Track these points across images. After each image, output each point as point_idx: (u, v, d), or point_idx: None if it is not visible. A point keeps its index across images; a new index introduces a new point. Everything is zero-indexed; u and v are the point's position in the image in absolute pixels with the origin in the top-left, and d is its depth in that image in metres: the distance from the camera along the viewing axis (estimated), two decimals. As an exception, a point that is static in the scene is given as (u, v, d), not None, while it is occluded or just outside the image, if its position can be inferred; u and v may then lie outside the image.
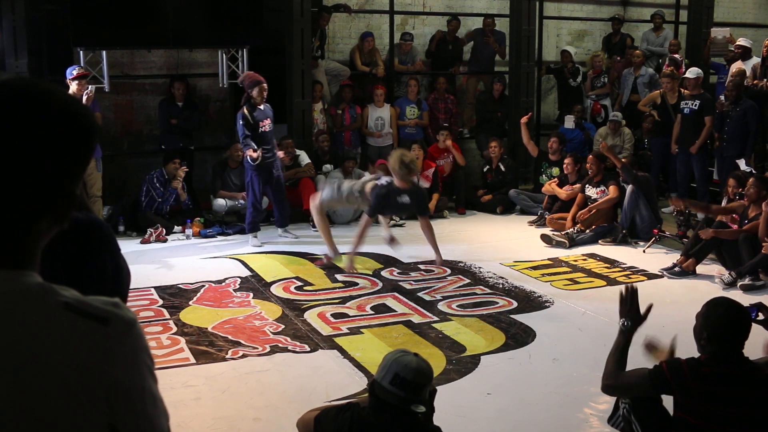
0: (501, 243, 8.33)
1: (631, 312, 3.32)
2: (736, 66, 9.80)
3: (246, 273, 7.04)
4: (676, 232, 7.66)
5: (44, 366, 1.10)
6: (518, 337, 5.46)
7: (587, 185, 8.64)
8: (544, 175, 9.67)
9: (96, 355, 1.13)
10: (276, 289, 6.54)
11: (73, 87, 7.77)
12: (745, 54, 9.90)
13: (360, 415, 2.77)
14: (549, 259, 7.60)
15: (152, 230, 8.21)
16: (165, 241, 8.23)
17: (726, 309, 3.09)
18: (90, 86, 7.76)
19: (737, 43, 10.10)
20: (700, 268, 7.03)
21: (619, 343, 3.33)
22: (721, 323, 3.04)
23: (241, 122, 7.87)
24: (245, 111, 7.85)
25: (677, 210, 7.77)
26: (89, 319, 1.14)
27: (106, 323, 1.15)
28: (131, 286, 6.78)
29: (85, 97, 7.68)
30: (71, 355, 1.12)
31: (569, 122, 10.66)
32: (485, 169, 10.16)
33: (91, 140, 1.21)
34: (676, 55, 10.88)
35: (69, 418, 1.12)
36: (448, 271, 7.10)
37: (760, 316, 3.39)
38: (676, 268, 6.99)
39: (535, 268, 7.28)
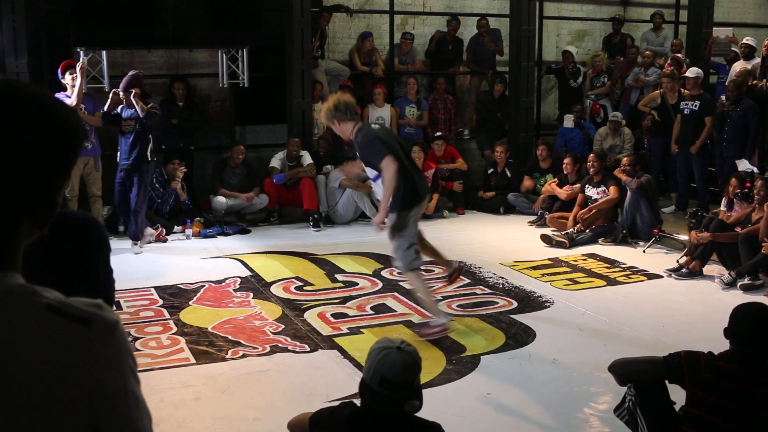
0: (501, 243, 8.33)
1: None
2: (740, 66, 9.79)
3: (246, 273, 7.04)
4: (688, 236, 7.52)
5: (25, 367, 1.10)
6: (518, 337, 5.46)
7: (587, 185, 8.64)
8: (537, 186, 9.68)
9: (78, 357, 1.13)
10: (276, 289, 6.54)
11: (68, 80, 7.76)
12: (750, 53, 9.89)
13: (358, 414, 2.77)
14: (549, 259, 7.60)
15: (152, 230, 8.20)
16: (165, 241, 8.23)
17: (749, 311, 3.18)
18: (82, 58, 7.65)
19: (743, 42, 10.09)
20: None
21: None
22: (741, 323, 3.13)
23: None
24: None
25: (690, 212, 7.71)
26: (71, 320, 1.14)
27: (88, 325, 1.15)
28: (131, 287, 6.80)
29: (78, 67, 7.64)
30: (53, 357, 1.11)
31: (569, 122, 10.66)
32: (489, 171, 10.15)
33: (75, 146, 1.19)
34: (679, 55, 10.87)
35: (50, 420, 1.11)
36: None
37: None
38: (684, 270, 6.98)
39: (535, 268, 7.28)
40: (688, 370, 3.10)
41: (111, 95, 7.71)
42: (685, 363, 3.12)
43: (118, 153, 7.85)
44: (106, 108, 7.73)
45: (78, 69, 7.64)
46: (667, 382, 3.26)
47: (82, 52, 8.15)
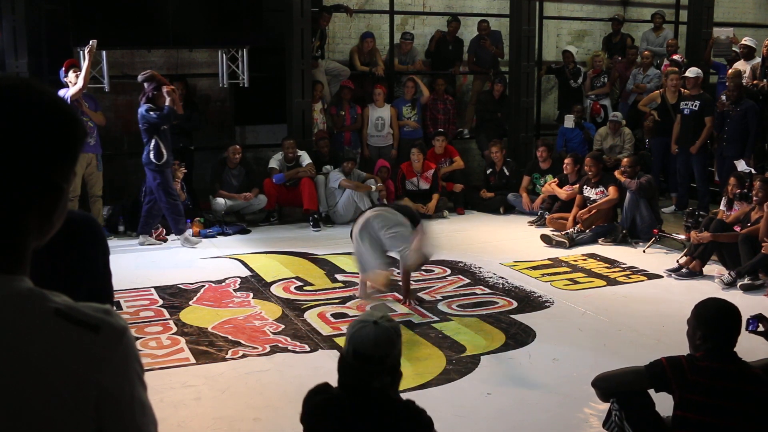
0: (501, 243, 8.32)
1: None
2: (737, 66, 9.79)
3: (246, 273, 7.04)
4: (684, 235, 7.56)
5: (33, 372, 1.10)
6: (518, 337, 5.46)
7: (585, 186, 8.63)
8: (537, 186, 9.68)
9: (86, 363, 1.13)
10: (276, 289, 6.54)
11: (72, 78, 7.75)
12: (749, 54, 9.89)
13: (332, 396, 2.75)
14: (549, 259, 7.60)
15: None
16: (165, 240, 8.23)
17: (718, 308, 3.20)
18: (91, 41, 7.65)
19: (742, 42, 10.10)
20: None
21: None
22: (715, 321, 3.14)
23: (151, 112, 7.75)
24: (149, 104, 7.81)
25: (686, 212, 7.73)
26: (80, 326, 1.13)
27: (96, 331, 1.14)
28: (131, 286, 6.78)
29: (87, 50, 7.65)
30: (61, 362, 1.11)
31: (569, 122, 10.67)
32: (488, 171, 10.15)
33: (75, 130, 1.19)
34: (676, 56, 10.87)
35: (57, 425, 1.11)
36: (448, 271, 7.10)
37: (761, 327, 3.43)
38: (684, 270, 6.98)
39: (535, 268, 7.28)
40: (673, 375, 3.08)
41: (167, 93, 7.80)
42: (669, 369, 3.10)
43: (163, 152, 7.84)
44: (169, 105, 7.79)
45: (87, 51, 7.64)
46: (653, 390, 3.24)
47: (82, 53, 8.13)
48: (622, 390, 3.28)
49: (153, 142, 7.79)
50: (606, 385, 3.33)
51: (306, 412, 2.79)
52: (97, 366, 1.14)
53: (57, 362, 1.11)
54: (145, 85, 7.82)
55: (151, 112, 7.72)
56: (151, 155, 7.80)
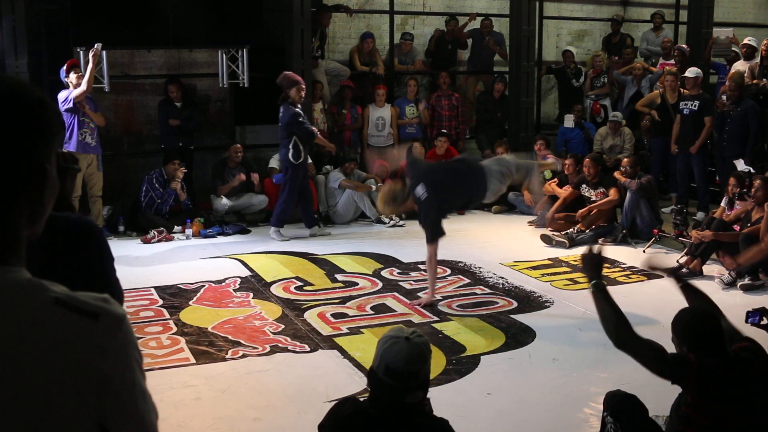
0: (501, 243, 8.32)
1: (596, 272, 3.38)
2: (737, 66, 9.78)
3: (246, 273, 7.04)
4: (674, 233, 7.64)
5: (35, 361, 1.11)
6: (518, 337, 5.46)
7: (583, 185, 8.61)
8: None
9: (86, 350, 1.14)
10: (276, 289, 6.54)
11: (73, 79, 7.76)
12: (751, 54, 9.88)
13: (360, 409, 2.76)
14: (549, 259, 7.60)
15: (156, 232, 8.20)
16: (172, 239, 8.25)
17: (691, 319, 3.17)
18: (96, 45, 7.70)
19: (744, 42, 10.09)
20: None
21: (604, 303, 3.35)
22: (691, 332, 3.10)
23: (300, 119, 8.04)
24: (297, 109, 8.05)
25: (675, 210, 7.77)
26: (79, 314, 1.15)
27: (96, 318, 1.16)
28: (131, 286, 6.76)
29: (91, 54, 7.66)
30: (61, 351, 1.12)
31: (569, 121, 10.67)
32: None
33: (45, 109, 1.20)
34: (684, 45, 10.83)
35: (59, 413, 1.12)
36: (448, 271, 7.10)
37: (765, 321, 3.41)
38: (684, 270, 6.97)
39: (535, 268, 7.28)
40: (697, 376, 3.00)
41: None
42: (696, 369, 3.01)
43: (301, 151, 8.16)
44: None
45: (91, 55, 7.66)
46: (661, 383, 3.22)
47: (82, 53, 8.13)
48: (639, 360, 3.13)
49: (292, 140, 8.08)
50: (628, 352, 3.17)
51: (330, 423, 2.80)
52: (98, 353, 1.15)
53: (58, 350, 1.12)
54: (284, 86, 8.09)
55: (301, 119, 8.04)
56: (290, 154, 8.08)
